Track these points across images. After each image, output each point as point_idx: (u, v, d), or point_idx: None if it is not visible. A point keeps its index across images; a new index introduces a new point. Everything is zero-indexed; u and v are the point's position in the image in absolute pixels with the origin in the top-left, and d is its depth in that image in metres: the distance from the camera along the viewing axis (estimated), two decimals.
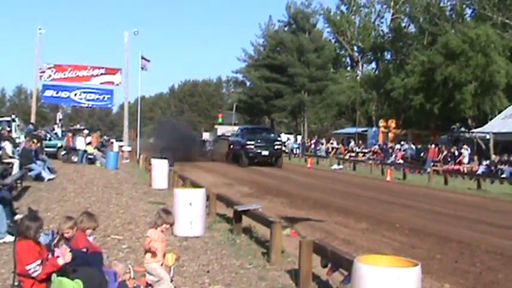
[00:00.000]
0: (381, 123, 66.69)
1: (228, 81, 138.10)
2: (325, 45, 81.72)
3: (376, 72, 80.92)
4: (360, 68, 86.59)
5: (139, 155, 44.10)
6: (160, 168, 27.24)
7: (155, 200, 21.54)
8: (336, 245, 11.33)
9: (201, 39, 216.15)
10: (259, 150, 48.03)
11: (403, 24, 77.50)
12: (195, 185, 20.23)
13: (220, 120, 67.41)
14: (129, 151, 48.99)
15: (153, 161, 28.26)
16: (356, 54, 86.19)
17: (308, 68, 77.62)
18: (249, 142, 48.12)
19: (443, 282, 10.43)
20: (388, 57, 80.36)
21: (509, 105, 52.26)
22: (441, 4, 71.53)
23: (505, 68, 55.28)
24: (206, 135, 68.07)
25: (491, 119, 50.33)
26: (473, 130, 51.76)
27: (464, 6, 70.11)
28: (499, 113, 52.13)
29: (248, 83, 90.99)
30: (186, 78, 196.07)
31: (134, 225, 15.79)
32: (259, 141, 48.69)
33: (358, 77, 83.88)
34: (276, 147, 49.21)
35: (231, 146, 53.76)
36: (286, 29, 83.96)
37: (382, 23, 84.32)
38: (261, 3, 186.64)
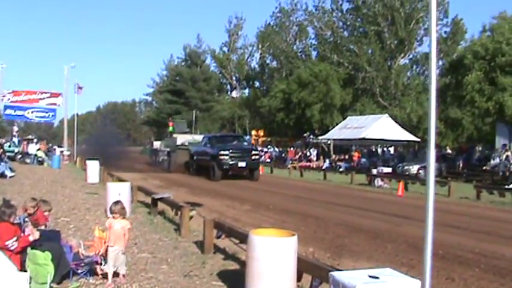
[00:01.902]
0: (253, 132, 66.96)
1: (140, 102, 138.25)
2: (211, 76, 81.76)
3: (249, 95, 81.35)
4: (237, 93, 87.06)
5: (76, 158, 43.49)
6: (93, 167, 26.88)
7: (91, 191, 21.24)
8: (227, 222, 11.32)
9: (121, 70, 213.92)
10: (234, 161, 30.60)
11: (268, 61, 78.13)
12: (121, 180, 20.64)
13: (171, 129, 46.79)
14: (68, 155, 47.70)
15: (88, 162, 27.79)
16: (234, 82, 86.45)
17: (199, 92, 77.56)
18: (222, 152, 30.56)
19: (308, 247, 10.47)
20: (257, 84, 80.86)
21: (342, 120, 53.45)
22: (294, 48, 72.72)
23: (339, 93, 56.94)
24: (157, 144, 49.07)
25: (331, 129, 51.31)
26: (319, 137, 52.68)
27: (310, 49, 71.60)
28: (336, 125, 53.25)
29: (155, 104, 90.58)
30: (108, 99, 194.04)
31: (77, 210, 15.63)
32: (233, 150, 31.10)
33: (235, 99, 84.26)
34: (253, 157, 31.61)
35: (195, 157, 35.08)
36: (183, 63, 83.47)
37: (252, 60, 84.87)
38: (165, 45, 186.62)
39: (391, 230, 13.73)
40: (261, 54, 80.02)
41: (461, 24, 62.81)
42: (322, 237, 12.45)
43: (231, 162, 30.44)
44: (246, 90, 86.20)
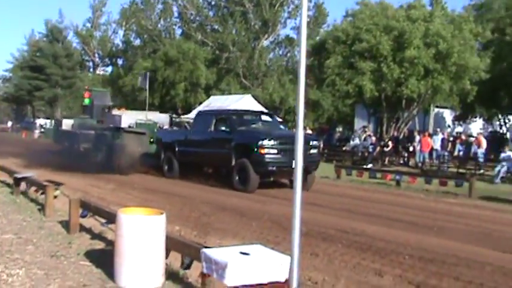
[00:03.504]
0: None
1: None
2: (74, 53, 79.45)
3: (112, 73, 79.83)
4: (100, 70, 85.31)
5: None
6: None
7: None
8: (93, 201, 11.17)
9: None
10: (284, 159, 17.13)
11: (132, 39, 76.90)
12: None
13: (86, 101, 32.72)
14: None
15: None
16: (97, 59, 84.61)
17: (61, 69, 75.19)
18: (266, 142, 17.39)
19: (174, 225, 10.49)
20: (121, 62, 79.48)
21: (206, 99, 53.66)
22: (159, 26, 71.99)
23: (204, 72, 57.10)
24: (69, 124, 32.00)
25: (194, 109, 51.33)
26: (181, 116, 52.70)
27: (175, 27, 71.19)
28: (200, 104, 53.41)
29: (14, 80, 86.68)
30: None
31: None
32: (282, 139, 17.71)
33: (99, 76, 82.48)
34: (312, 151, 18.62)
35: (177, 149, 21.04)
36: (44, 39, 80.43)
37: (116, 37, 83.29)
38: (26, 19, 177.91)
39: (255, 208, 14.01)
40: (124, 31, 78.63)
41: (323, 9, 64.68)
42: (188, 216, 12.49)
43: (280, 160, 17.20)
44: (109, 68, 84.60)
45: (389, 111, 36.90)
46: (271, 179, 18.38)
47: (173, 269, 7.41)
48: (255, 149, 17.15)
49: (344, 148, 36.24)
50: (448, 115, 49.40)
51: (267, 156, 17.16)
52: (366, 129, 35.54)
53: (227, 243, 9.09)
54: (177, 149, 21.07)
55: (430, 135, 32.79)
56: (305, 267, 7.32)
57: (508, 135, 39.68)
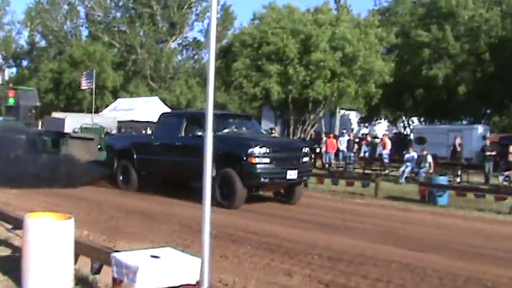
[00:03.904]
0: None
1: None
2: None
3: (17, 74, 77.42)
4: (4, 72, 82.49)
5: None
6: None
7: None
8: None
9: None
10: (278, 169, 15.14)
11: (37, 40, 74.87)
12: None
13: (11, 101, 29.49)
14: None
15: None
16: (1, 60, 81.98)
17: None
18: (258, 150, 14.91)
19: (82, 230, 10.30)
20: (26, 64, 77.26)
21: (113, 101, 52.97)
22: (65, 27, 70.41)
23: (111, 75, 56.30)
24: None
25: (101, 111, 50.54)
26: None
27: (81, 29, 69.96)
28: (107, 107, 52.66)
29: None
30: None
31: None
32: (275, 147, 15.71)
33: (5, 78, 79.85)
34: (304, 160, 16.43)
35: (136, 156, 17.96)
36: None
37: (20, 37, 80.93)
38: None
39: (164, 211, 13.94)
40: (29, 32, 76.48)
41: (230, 12, 65.02)
42: (96, 220, 12.30)
43: (273, 171, 15.10)
44: (14, 70, 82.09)
45: (296, 114, 37.38)
46: (260, 192, 16.30)
47: (83, 275, 7.27)
48: (244, 158, 14.65)
49: None
50: (353, 117, 50.64)
51: (258, 166, 14.68)
52: (273, 131, 35.92)
53: (136, 247, 8.96)
54: (135, 156, 17.95)
55: (336, 137, 33.46)
56: (215, 269, 7.32)
57: (411, 136, 40.94)
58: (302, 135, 36.76)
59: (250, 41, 35.32)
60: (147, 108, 42.89)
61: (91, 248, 7.08)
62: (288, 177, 15.20)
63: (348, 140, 32.35)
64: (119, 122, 38.93)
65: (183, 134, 16.63)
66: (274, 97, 34.45)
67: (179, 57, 66.98)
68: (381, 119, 50.30)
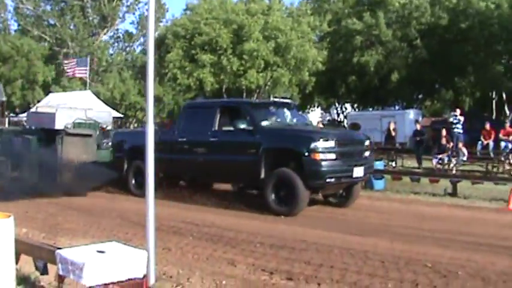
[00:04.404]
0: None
1: None
2: None
3: None
4: None
5: None
6: None
7: None
8: None
9: None
10: (345, 166, 12.60)
11: None
12: None
13: None
14: None
15: None
16: None
17: None
18: (323, 145, 12.31)
19: (21, 228, 10.15)
20: None
21: (45, 96, 51.99)
22: None
23: (42, 69, 55.14)
24: None
25: (32, 107, 49.45)
26: (19, 115, 50.62)
27: (9, 22, 68.14)
28: (38, 102, 51.64)
29: None
30: None
31: None
32: (342, 141, 13.04)
33: None
34: (366, 153, 13.77)
35: (164, 155, 11.46)
36: None
37: None
38: None
39: (103, 205, 13.85)
40: None
41: (162, 4, 64.44)
42: (34, 217, 12.08)
43: (340, 168, 12.62)
44: None
45: None
46: (319, 194, 13.88)
47: (24, 274, 7.17)
48: (306, 154, 12.23)
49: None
50: None
51: (323, 163, 12.24)
52: None
53: (78, 243, 8.85)
54: (166, 155, 13.91)
55: None
56: (159, 262, 7.31)
57: (345, 122, 41.55)
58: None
59: (183, 32, 35.30)
60: (80, 102, 42.07)
61: (33, 247, 6.97)
62: (355, 175, 12.86)
63: None
64: None
65: (216, 128, 14.20)
66: (207, 87, 34.48)
67: (111, 50, 66.05)
68: (314, 106, 50.82)
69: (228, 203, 13.86)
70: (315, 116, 49.97)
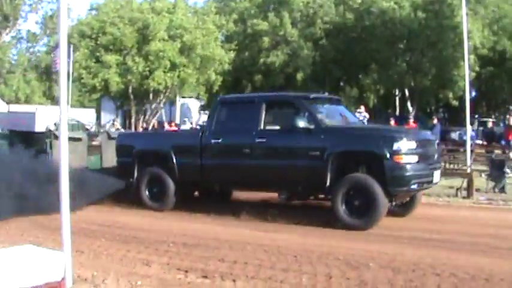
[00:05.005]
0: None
1: None
2: None
3: None
4: None
5: None
6: None
7: None
8: None
9: None
10: (425, 171, 10.89)
11: None
12: None
13: None
14: None
15: None
16: None
17: None
18: (405, 144, 10.48)
19: None
20: None
21: None
22: None
23: None
24: None
25: None
26: None
27: None
28: None
29: None
30: None
31: None
32: (417, 140, 11.01)
33: None
34: (437, 156, 12.19)
35: (178, 161, 12.74)
36: None
37: None
38: None
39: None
40: None
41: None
42: None
43: (423, 173, 10.99)
44: None
45: (137, 104, 37.24)
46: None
47: None
48: (388, 156, 10.42)
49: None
50: (194, 105, 50.96)
51: (408, 167, 10.51)
52: (115, 123, 35.46)
53: None
54: (175, 161, 12.88)
55: (177, 125, 33.70)
56: (73, 265, 7.25)
57: None
58: (144, 125, 36.70)
59: (89, 31, 34.75)
60: None
61: None
62: (434, 180, 11.49)
63: (190, 128, 32.63)
64: None
65: (262, 127, 12.14)
66: (113, 88, 34.11)
67: (14, 50, 64.02)
68: None
69: (138, 204, 13.75)
70: None
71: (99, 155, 16.25)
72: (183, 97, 45.92)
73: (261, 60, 39.70)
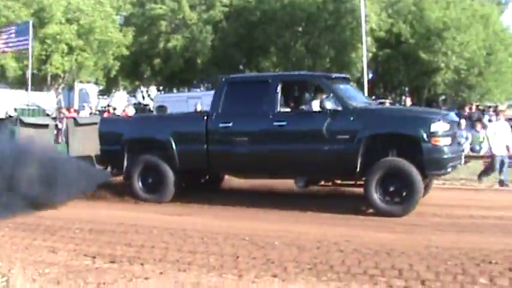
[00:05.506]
0: None
1: None
2: None
3: None
4: None
5: None
6: None
7: None
8: None
9: None
10: (454, 153, 10.51)
11: None
12: None
13: None
14: None
15: None
16: None
17: None
18: (440, 125, 10.12)
19: None
20: None
21: None
22: None
23: None
24: None
25: None
26: None
27: None
28: None
29: None
30: None
31: None
32: (449, 122, 10.62)
33: None
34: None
35: (178, 147, 11.61)
36: None
37: None
38: None
39: None
40: None
41: None
42: None
43: (456, 155, 10.78)
44: None
45: (35, 90, 36.28)
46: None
47: None
48: (426, 139, 9.94)
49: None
50: (92, 90, 50.10)
51: (445, 149, 10.13)
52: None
53: None
54: (175, 148, 11.72)
55: (76, 111, 33.11)
56: None
57: (151, 106, 41.53)
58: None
59: None
60: None
61: None
62: (462, 162, 11.34)
63: (90, 113, 32.12)
64: None
65: (279, 109, 11.20)
66: (10, 74, 33.11)
67: None
68: (119, 90, 50.31)
69: None
70: (119, 100, 49.47)
71: (66, 143, 14.75)
72: (81, 82, 45.03)
73: (161, 44, 39.40)
